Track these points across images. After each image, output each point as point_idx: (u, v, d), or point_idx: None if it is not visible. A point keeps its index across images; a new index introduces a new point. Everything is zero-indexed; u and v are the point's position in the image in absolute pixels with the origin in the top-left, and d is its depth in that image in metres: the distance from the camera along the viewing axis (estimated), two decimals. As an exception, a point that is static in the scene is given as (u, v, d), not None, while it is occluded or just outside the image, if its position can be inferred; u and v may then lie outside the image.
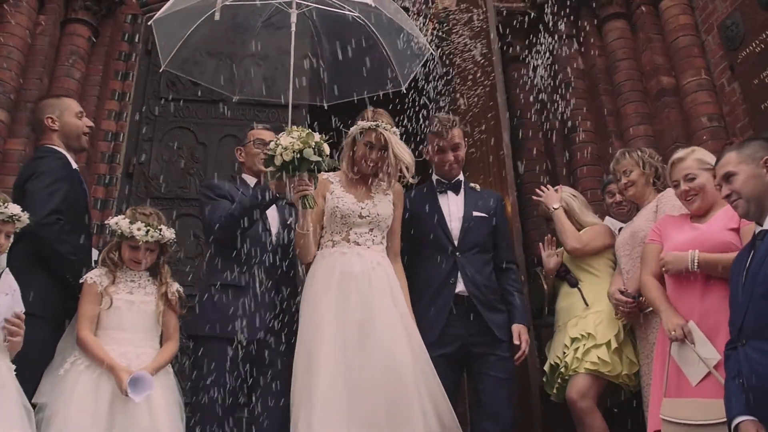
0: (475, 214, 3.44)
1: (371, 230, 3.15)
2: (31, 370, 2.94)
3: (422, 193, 3.56)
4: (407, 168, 3.17)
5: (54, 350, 3.12)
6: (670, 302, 2.99)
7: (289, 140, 2.84)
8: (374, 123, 3.16)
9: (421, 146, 3.64)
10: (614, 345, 3.42)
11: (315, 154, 2.84)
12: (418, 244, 3.40)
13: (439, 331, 3.19)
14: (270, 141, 3.07)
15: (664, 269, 3.02)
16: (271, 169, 2.92)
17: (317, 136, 2.89)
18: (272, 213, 3.35)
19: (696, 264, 2.85)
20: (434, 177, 3.60)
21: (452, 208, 3.47)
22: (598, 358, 3.39)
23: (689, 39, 5.06)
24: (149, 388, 2.92)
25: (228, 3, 3.45)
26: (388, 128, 3.17)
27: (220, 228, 3.13)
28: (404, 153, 3.18)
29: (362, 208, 3.15)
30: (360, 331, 2.86)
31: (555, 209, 3.83)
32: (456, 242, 3.36)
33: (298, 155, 2.82)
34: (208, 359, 3.02)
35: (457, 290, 3.27)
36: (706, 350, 2.75)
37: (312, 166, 2.86)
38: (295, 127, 2.95)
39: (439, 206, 3.46)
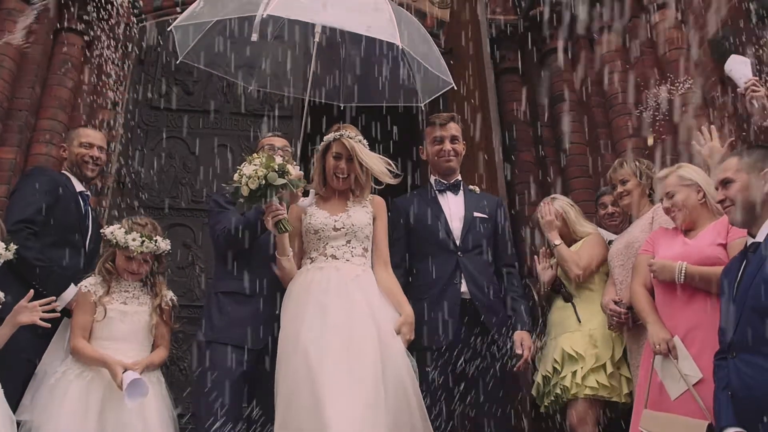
0: (476, 214, 3.44)
1: (348, 242, 3.08)
2: (12, 377, 2.96)
3: (421, 194, 3.54)
4: (387, 174, 3.11)
5: (35, 356, 3.14)
6: (657, 315, 3.00)
7: (252, 168, 2.82)
8: (338, 134, 3.16)
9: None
10: (609, 368, 3.37)
11: (280, 176, 2.82)
12: (419, 245, 3.37)
13: (450, 338, 3.15)
14: (283, 146, 3.12)
15: (652, 275, 3.04)
16: (240, 201, 2.89)
17: (279, 159, 2.87)
18: None
19: (683, 275, 2.87)
20: (432, 178, 3.58)
21: (453, 208, 3.46)
22: (597, 382, 3.34)
23: (680, 53, 5.10)
24: (144, 394, 2.91)
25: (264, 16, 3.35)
26: (353, 136, 3.15)
27: (225, 241, 3.11)
28: (371, 159, 3.13)
29: (336, 221, 3.09)
30: (336, 349, 2.74)
31: (557, 245, 3.70)
32: (458, 242, 3.34)
33: (264, 182, 2.80)
34: (212, 365, 3.00)
35: (460, 290, 3.24)
36: (688, 367, 2.77)
37: (281, 189, 2.85)
38: (256, 154, 2.96)
39: (439, 205, 3.45)
